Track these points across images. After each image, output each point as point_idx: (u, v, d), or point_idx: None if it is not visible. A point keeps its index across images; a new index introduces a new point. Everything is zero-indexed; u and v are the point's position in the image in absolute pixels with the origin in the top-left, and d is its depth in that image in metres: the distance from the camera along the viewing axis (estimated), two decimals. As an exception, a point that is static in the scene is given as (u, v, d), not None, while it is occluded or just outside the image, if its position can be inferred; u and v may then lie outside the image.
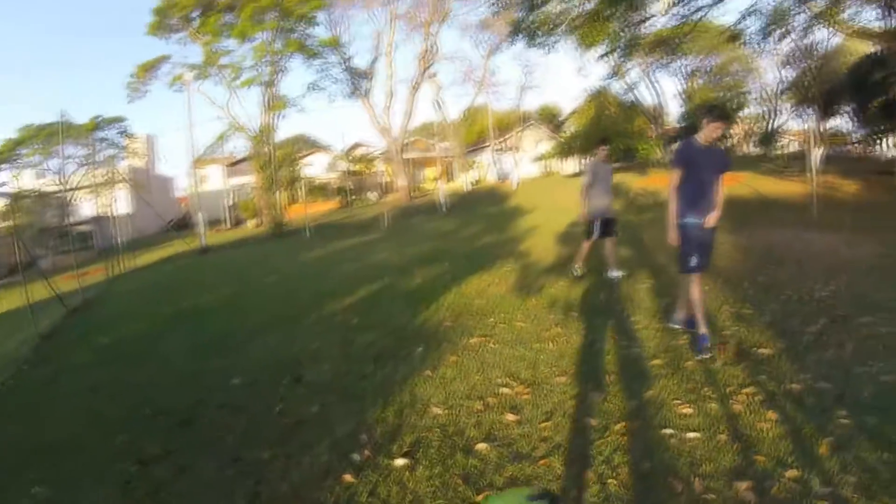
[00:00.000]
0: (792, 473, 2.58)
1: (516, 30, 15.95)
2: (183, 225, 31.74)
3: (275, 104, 28.12)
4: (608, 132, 30.95)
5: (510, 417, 3.42)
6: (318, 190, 32.30)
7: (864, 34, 16.11)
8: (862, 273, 6.58)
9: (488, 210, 22.71)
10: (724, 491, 2.51)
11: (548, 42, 15.95)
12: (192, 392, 4.48)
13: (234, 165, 41.17)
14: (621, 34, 15.46)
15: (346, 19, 42.99)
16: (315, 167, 40.44)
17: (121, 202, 28.98)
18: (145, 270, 15.28)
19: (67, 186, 26.66)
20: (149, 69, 28.10)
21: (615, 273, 7.17)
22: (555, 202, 21.81)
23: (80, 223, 28.55)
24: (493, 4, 16.75)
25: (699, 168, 4.52)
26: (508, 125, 45.33)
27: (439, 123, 32.12)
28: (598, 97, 33.99)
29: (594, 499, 2.50)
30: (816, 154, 26.08)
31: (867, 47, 18.01)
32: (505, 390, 3.86)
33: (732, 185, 18.67)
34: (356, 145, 46.19)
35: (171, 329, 7.24)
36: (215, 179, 40.55)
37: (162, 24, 26.93)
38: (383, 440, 3.22)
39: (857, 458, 2.66)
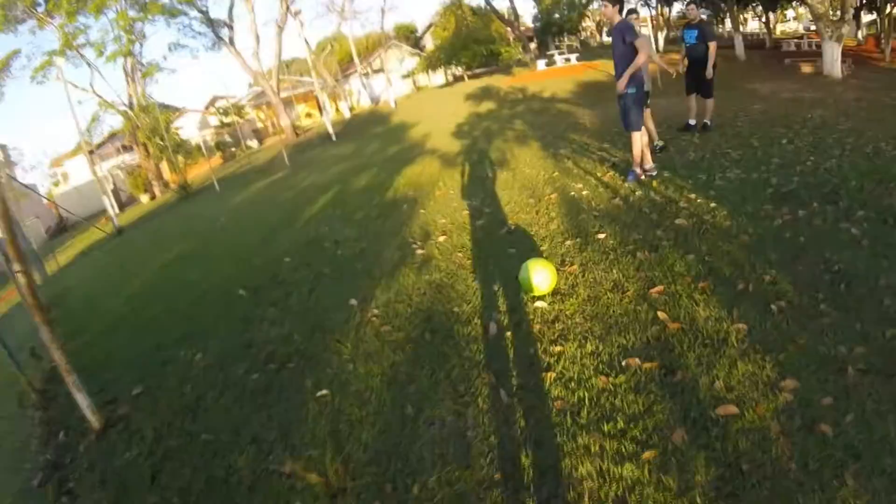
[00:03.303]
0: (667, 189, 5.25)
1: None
2: (62, 229, 29.85)
3: (146, 71, 27.51)
4: (469, 40, 33.16)
5: (486, 210, 5.87)
6: (197, 150, 31.99)
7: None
8: (679, 115, 9.56)
9: (378, 130, 24.30)
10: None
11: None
12: (261, 270, 6.03)
13: (94, 151, 39.08)
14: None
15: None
16: (183, 130, 39.31)
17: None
18: (79, 263, 14.45)
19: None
20: (1, 69, 26.04)
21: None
22: (436, 111, 23.92)
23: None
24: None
25: (613, 47, 5.76)
26: (369, 48, 46.22)
27: (312, 58, 32.65)
28: (455, 9, 35.73)
29: (543, 230, 4.95)
30: (660, 37, 30.01)
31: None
32: (474, 202, 6.31)
33: (590, 71, 21.85)
34: (215, 98, 45.16)
35: (204, 248, 8.60)
36: (77, 173, 37.53)
37: (7, 18, 25.01)
38: (423, 237, 5.54)
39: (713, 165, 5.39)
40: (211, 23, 29.84)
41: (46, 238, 24.10)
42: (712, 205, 4.70)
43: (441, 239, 5.29)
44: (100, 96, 27.88)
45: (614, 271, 3.71)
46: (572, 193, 5.81)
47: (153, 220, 17.96)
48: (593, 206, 5.21)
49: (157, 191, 28.34)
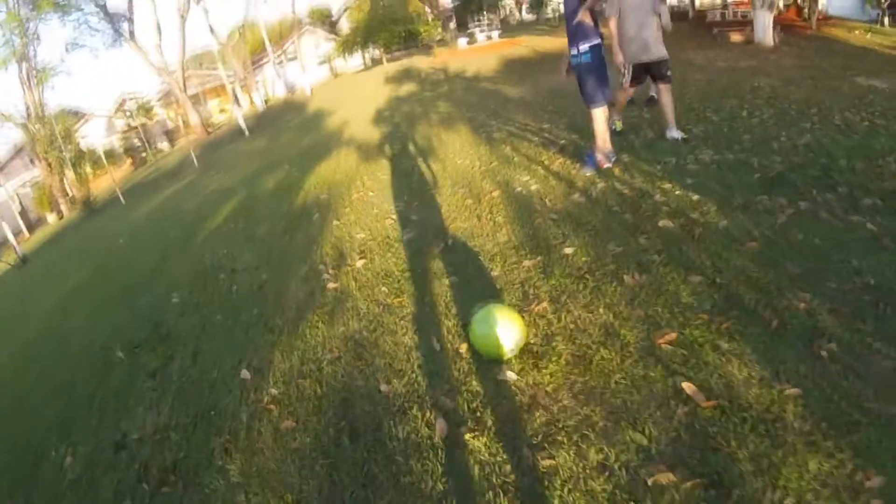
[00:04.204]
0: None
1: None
2: None
3: (40, 76, 24.76)
4: (386, 20, 31.67)
5: (413, 217, 4.76)
6: (103, 158, 29.35)
7: None
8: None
9: (293, 121, 22.66)
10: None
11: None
12: (144, 317, 5.14)
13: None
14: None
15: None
16: (90, 136, 36.21)
17: None
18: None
19: None
20: None
21: (674, 133, 5.39)
22: (354, 97, 22.51)
23: None
24: None
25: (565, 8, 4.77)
26: (283, 35, 43.70)
27: (218, 49, 30.40)
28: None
29: (490, 243, 3.91)
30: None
31: None
32: (399, 206, 5.21)
33: (513, 48, 20.96)
34: (124, 99, 41.90)
35: (96, 280, 7.48)
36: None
37: None
38: (337, 260, 4.39)
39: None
40: (109, 17, 27.33)
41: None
42: (695, 197, 3.80)
43: (359, 264, 4.13)
44: (-7, 108, 25.17)
45: (600, 309, 2.69)
46: (518, 188, 4.79)
47: (57, 244, 16.15)
48: (548, 206, 4.20)
49: (64, 208, 25.69)
